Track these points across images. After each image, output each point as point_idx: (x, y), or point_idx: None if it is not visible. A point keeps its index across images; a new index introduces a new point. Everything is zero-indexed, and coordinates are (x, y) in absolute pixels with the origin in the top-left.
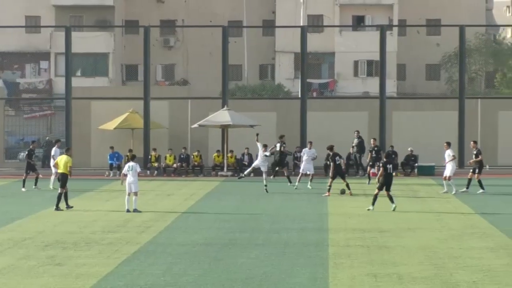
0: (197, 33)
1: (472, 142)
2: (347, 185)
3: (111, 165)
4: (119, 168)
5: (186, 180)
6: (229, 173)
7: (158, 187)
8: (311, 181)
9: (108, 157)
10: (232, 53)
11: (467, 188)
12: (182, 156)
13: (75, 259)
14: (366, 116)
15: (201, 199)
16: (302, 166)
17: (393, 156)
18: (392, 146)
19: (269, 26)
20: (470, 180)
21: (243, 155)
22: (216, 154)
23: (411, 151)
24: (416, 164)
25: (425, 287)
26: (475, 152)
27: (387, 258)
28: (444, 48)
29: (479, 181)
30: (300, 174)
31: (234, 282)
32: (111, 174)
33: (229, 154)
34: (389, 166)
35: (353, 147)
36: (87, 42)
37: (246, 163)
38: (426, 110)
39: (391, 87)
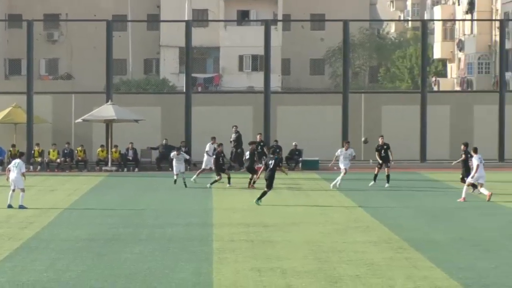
0: (81, 27)
1: (380, 137)
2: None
3: None
4: (1, 163)
5: (70, 175)
6: (114, 168)
7: (41, 182)
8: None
9: None
10: (117, 48)
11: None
12: (65, 151)
13: None
14: (251, 110)
15: (85, 194)
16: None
17: (278, 150)
18: (276, 141)
19: (154, 21)
20: (377, 176)
21: (127, 150)
22: (100, 149)
23: (296, 145)
24: (301, 159)
25: (309, 281)
26: (384, 148)
27: (271, 252)
28: (328, 43)
29: (388, 176)
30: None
31: (117, 278)
32: None
33: (113, 149)
34: (270, 162)
35: (231, 141)
36: None
37: (130, 158)
38: (310, 104)
39: (275, 82)
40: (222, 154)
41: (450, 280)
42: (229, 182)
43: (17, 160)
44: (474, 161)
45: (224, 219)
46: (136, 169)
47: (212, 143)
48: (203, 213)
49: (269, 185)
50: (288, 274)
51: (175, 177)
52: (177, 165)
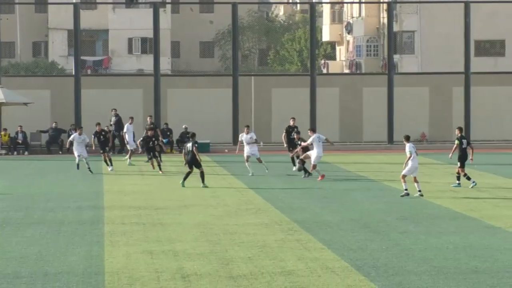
0: None
1: (291, 119)
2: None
3: None
4: None
5: None
6: (3, 151)
7: None
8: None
9: None
10: (4, 30)
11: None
12: None
13: None
14: (141, 93)
15: None
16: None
17: (168, 133)
18: (166, 124)
19: (41, 3)
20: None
21: (17, 133)
22: None
23: (186, 128)
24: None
25: (201, 264)
26: (296, 131)
27: (163, 235)
28: (217, 26)
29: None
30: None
31: (8, 261)
32: None
33: (3, 132)
34: (189, 145)
35: (111, 125)
36: None
37: (20, 141)
38: (201, 87)
39: (165, 65)
40: (154, 139)
41: (341, 261)
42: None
43: None
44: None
45: (115, 201)
46: (26, 153)
47: (130, 123)
48: (94, 196)
49: (198, 165)
50: (180, 256)
51: (76, 160)
52: (78, 148)
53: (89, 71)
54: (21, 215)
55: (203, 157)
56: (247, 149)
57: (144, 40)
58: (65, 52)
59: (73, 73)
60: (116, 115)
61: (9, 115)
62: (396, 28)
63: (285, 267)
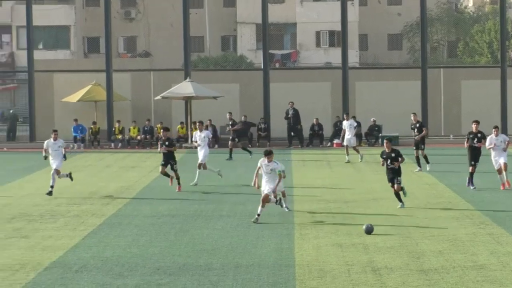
0: (158, 4)
1: (412, 115)
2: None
3: (75, 137)
4: (83, 140)
5: (150, 152)
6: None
7: (122, 159)
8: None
9: (72, 129)
10: (194, 25)
11: (420, 167)
12: (146, 128)
13: (41, 232)
14: (329, 86)
15: None
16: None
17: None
18: (354, 117)
19: None
20: (418, 158)
21: (206, 126)
22: (179, 126)
23: (374, 121)
24: (381, 134)
25: (391, 257)
26: (417, 126)
27: (352, 228)
28: (405, 18)
29: (425, 157)
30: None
31: (200, 253)
32: (75, 147)
33: (194, 126)
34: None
35: (289, 117)
36: (48, 14)
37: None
38: (389, 80)
39: (353, 57)
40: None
41: None
42: None
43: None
44: None
45: (304, 195)
46: (216, 146)
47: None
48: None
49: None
50: (370, 249)
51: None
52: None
53: (277, 65)
54: (212, 207)
55: None
56: None
57: (331, 33)
58: (253, 46)
59: (262, 67)
60: (294, 109)
61: (198, 109)
62: None
63: (476, 261)
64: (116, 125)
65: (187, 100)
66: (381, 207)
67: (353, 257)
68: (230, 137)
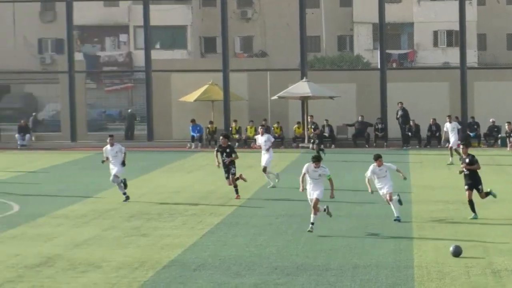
0: (274, 4)
1: (507, 124)
2: None
3: (192, 137)
4: (201, 139)
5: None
6: (310, 145)
7: (239, 159)
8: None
9: (190, 129)
10: (310, 25)
11: None
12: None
13: (159, 230)
14: (447, 86)
15: (282, 171)
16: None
17: (475, 127)
18: (473, 117)
19: None
20: None
21: (323, 126)
22: (296, 126)
23: (493, 122)
24: (500, 135)
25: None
26: None
27: (471, 230)
28: None
29: None
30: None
31: (317, 254)
32: (193, 146)
33: (310, 126)
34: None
35: (397, 118)
36: (165, 14)
37: (326, 134)
38: (508, 80)
39: (471, 57)
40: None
41: None
42: None
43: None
44: None
45: (423, 196)
46: (333, 146)
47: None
48: (401, 190)
49: None
50: (490, 251)
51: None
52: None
53: (394, 65)
54: (331, 207)
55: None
56: None
57: (449, 33)
58: (370, 46)
59: (378, 67)
60: (403, 109)
61: (315, 108)
62: None
63: None
64: (233, 124)
65: (304, 100)
66: (500, 209)
67: (473, 259)
68: (312, 141)
